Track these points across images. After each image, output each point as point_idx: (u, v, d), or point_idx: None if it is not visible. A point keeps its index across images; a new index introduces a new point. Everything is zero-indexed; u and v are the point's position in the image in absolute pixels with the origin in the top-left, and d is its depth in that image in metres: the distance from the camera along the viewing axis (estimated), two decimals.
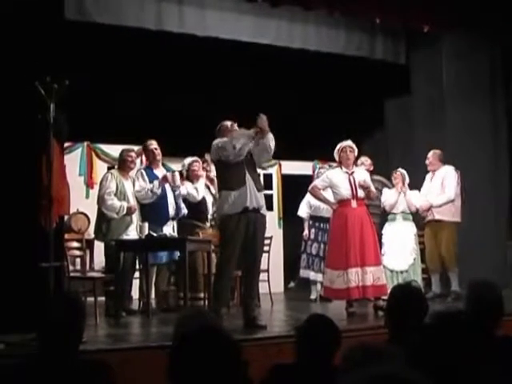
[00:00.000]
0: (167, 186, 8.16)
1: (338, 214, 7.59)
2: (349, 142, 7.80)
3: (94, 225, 8.15)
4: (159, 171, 8.28)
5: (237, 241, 6.56)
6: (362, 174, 7.81)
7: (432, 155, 9.04)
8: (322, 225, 9.21)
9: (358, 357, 2.34)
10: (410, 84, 10.77)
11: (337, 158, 7.80)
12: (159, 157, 8.34)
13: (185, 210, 8.36)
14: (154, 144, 8.28)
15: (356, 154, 7.81)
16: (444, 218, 8.91)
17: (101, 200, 7.84)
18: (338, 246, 7.49)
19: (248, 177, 6.64)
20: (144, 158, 8.79)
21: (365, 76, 10.24)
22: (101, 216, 7.88)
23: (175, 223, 8.25)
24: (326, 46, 9.75)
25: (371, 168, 8.88)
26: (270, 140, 6.66)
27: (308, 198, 9.18)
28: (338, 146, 7.80)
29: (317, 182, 7.96)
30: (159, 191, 7.98)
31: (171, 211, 8.17)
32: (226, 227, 6.62)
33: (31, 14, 6.36)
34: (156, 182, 7.99)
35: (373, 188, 7.76)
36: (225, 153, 6.54)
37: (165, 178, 8.07)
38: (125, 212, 7.81)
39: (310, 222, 9.29)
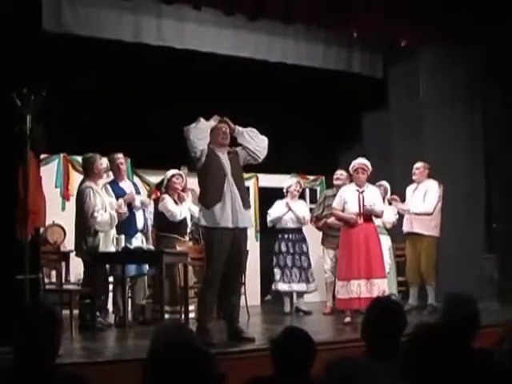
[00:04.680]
0: (136, 199, 8.15)
1: (346, 229, 8.04)
2: (361, 162, 8.10)
3: (74, 241, 7.91)
4: (125, 184, 8.25)
5: (221, 254, 6.50)
6: (372, 194, 8.10)
7: (422, 167, 9.10)
8: (290, 236, 9.30)
9: (342, 371, 2.34)
10: (388, 97, 10.85)
11: (351, 172, 8.20)
12: (124, 172, 8.35)
13: (150, 221, 8.44)
14: (119, 158, 8.25)
15: (369, 172, 8.10)
16: (423, 231, 8.97)
17: (91, 219, 7.59)
18: (343, 259, 7.98)
19: (228, 191, 6.53)
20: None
21: (343, 90, 10.30)
22: (87, 232, 7.68)
23: (144, 236, 8.22)
24: (305, 60, 9.81)
25: (347, 181, 8.95)
26: (248, 140, 6.68)
27: (271, 209, 9.44)
28: (352, 164, 8.15)
29: (335, 205, 8.27)
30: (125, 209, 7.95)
31: (139, 224, 8.17)
32: (210, 240, 6.59)
33: (8, 25, 6.32)
34: (121, 201, 7.92)
35: (377, 208, 8.03)
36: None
37: (130, 197, 8.02)
38: (117, 220, 7.75)
39: (279, 236, 9.35)
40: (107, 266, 7.90)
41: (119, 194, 8.05)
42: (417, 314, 8.49)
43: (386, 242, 8.81)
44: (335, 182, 9.30)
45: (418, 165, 9.12)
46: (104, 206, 7.71)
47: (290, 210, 9.31)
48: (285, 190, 9.50)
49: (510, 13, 9.24)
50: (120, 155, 8.25)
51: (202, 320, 6.57)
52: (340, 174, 9.27)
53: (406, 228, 9.13)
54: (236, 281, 6.79)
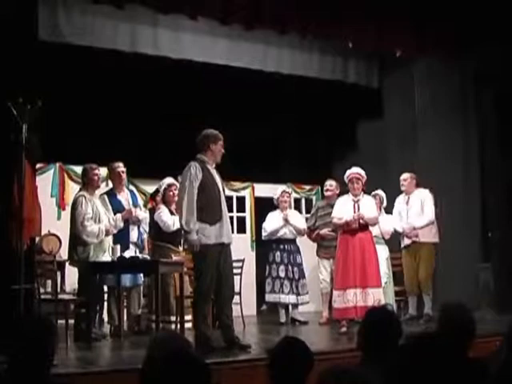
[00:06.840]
0: (139, 214, 8.11)
1: (342, 238, 8.03)
2: (355, 171, 8.09)
3: (67, 250, 7.87)
4: (122, 196, 8.19)
5: (213, 268, 6.60)
6: (368, 203, 8.09)
7: (409, 177, 9.12)
8: (286, 246, 9.27)
9: (334, 380, 2.33)
10: (383, 107, 10.87)
11: (346, 182, 8.16)
12: (124, 181, 8.28)
13: (146, 235, 8.40)
14: (120, 167, 8.18)
15: (364, 180, 8.08)
16: (425, 239, 9.00)
17: (80, 227, 7.55)
18: (340, 269, 7.96)
19: (224, 207, 6.69)
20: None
21: (338, 99, 10.33)
22: (77, 241, 7.64)
23: (137, 248, 8.16)
24: (300, 70, 9.84)
25: (337, 191, 8.99)
26: None
27: (265, 223, 9.35)
28: (346, 174, 8.14)
29: (334, 215, 8.22)
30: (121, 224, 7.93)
31: (133, 238, 8.14)
32: (207, 255, 6.63)
33: (5, 34, 6.34)
34: (119, 217, 7.88)
35: (371, 216, 7.98)
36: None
37: (127, 213, 7.99)
38: (104, 235, 7.72)
39: (274, 246, 9.32)
40: (102, 275, 7.88)
41: (116, 206, 8.00)
42: (413, 324, 8.48)
43: (383, 251, 8.80)
44: (326, 194, 9.39)
45: (405, 176, 9.14)
46: (98, 216, 7.68)
47: (287, 224, 9.28)
48: (275, 202, 9.47)
49: (502, 22, 9.29)
50: (121, 164, 8.20)
51: (201, 328, 6.62)
52: (329, 185, 9.31)
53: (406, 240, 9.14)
54: (230, 291, 6.86)
